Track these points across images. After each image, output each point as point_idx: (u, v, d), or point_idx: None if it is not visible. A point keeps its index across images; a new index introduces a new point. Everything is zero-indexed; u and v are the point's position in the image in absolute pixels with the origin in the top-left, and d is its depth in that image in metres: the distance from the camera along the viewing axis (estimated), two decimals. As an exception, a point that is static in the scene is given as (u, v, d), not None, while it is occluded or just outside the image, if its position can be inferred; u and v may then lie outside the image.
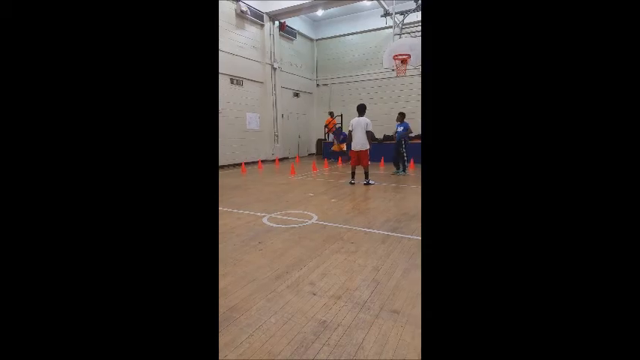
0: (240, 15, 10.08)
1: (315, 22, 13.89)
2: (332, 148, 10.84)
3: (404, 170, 7.93)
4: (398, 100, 12.64)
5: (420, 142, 8.68)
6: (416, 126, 11.93)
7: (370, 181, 6.43)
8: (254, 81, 10.97)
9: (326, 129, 11.78)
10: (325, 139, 12.22)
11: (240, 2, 9.90)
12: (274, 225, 3.74)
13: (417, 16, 9.75)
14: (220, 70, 9.49)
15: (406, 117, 8.27)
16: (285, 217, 4.07)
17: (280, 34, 11.97)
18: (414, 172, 8.22)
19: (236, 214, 4.24)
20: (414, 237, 3.25)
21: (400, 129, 7.97)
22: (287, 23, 11.98)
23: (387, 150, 9.48)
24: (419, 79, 12.02)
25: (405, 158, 7.90)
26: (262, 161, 10.89)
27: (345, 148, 10.54)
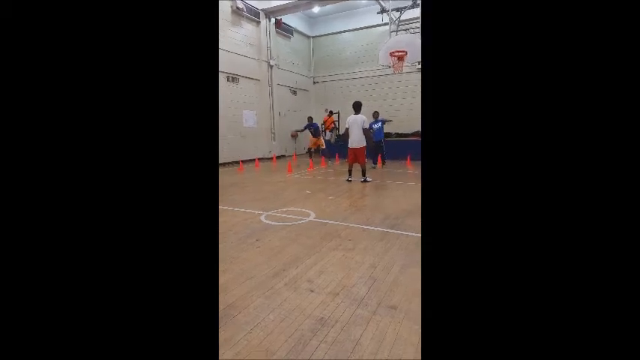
0: (237, 12, 10.02)
1: (312, 19, 13.83)
2: (308, 145, 10.18)
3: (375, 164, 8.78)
4: (398, 96, 12.64)
5: (420, 139, 8.79)
6: (414, 123, 11.97)
7: (367, 178, 6.44)
8: (250, 78, 10.91)
9: (323, 127, 11.58)
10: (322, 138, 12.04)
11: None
12: (272, 223, 3.74)
13: (413, 13, 9.73)
14: (217, 67, 9.42)
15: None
16: (282, 215, 4.07)
17: (277, 31, 11.90)
18: (414, 169, 8.25)
19: (233, 212, 4.23)
20: (411, 234, 3.26)
21: (378, 125, 8.63)
22: (283, 20, 11.92)
23: (387, 146, 9.44)
24: (415, 76, 12.03)
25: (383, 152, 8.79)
26: (259, 159, 10.87)
27: (323, 145, 10.02)
